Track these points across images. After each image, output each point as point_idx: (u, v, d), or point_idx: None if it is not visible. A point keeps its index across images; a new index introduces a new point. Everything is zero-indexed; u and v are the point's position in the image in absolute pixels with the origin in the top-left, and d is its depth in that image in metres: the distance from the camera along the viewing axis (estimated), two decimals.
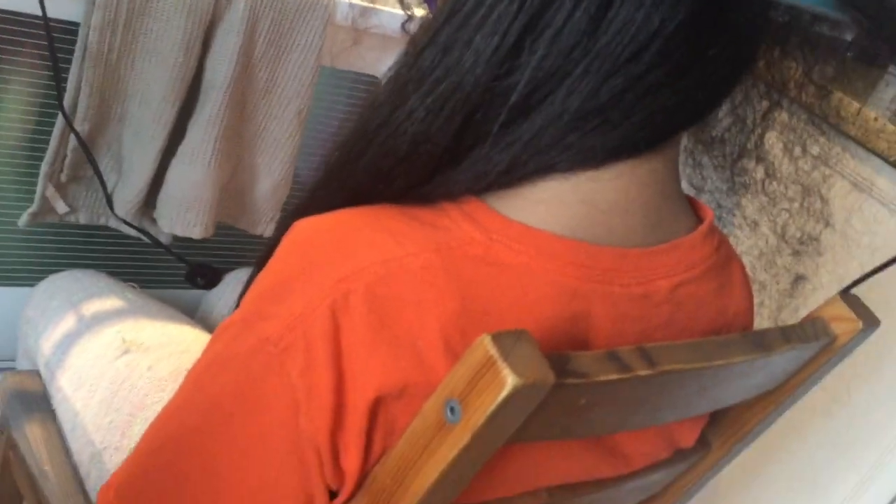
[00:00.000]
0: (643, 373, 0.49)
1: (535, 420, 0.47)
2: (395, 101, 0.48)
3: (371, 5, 0.96)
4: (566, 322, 0.49)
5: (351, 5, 1.01)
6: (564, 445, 0.55)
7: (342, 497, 0.49)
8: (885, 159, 1.32)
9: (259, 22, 0.94)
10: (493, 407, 0.43)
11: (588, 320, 0.50)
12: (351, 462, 0.47)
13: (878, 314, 0.64)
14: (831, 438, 1.14)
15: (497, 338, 0.43)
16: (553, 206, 0.49)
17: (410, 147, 0.48)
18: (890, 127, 1.29)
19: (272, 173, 1.04)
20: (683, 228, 0.55)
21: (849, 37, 1.85)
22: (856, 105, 1.34)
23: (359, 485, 0.49)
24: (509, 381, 0.42)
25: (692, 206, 0.58)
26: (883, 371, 1.13)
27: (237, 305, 0.52)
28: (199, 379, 0.51)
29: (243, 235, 1.14)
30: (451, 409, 0.45)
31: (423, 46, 0.48)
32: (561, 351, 0.47)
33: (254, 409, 0.48)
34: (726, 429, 0.70)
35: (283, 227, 0.52)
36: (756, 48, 0.50)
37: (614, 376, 0.48)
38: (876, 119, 1.31)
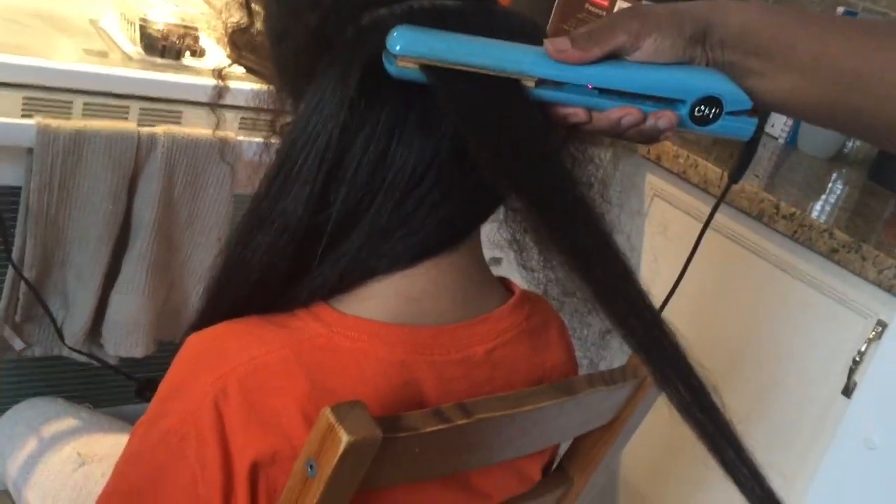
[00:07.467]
0: (461, 422, 0.63)
1: (381, 467, 0.61)
2: (246, 240, 0.64)
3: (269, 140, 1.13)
4: (400, 388, 0.64)
5: (260, 143, 1.18)
6: (425, 487, 0.69)
7: None
8: (748, 214, 1.51)
9: (175, 168, 1.10)
10: (335, 460, 0.57)
11: (419, 385, 0.65)
12: None
13: None
14: None
15: (335, 408, 0.57)
16: (378, 300, 0.64)
17: (260, 274, 0.63)
18: (749, 188, 1.48)
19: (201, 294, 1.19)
20: (493, 304, 0.70)
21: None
22: (718, 170, 1.54)
23: None
24: (344, 439, 0.56)
25: (505, 285, 0.74)
26: None
27: None
28: (122, 469, 0.65)
29: None
30: (311, 467, 0.59)
31: (261, 198, 0.64)
32: (398, 412, 0.62)
33: (165, 487, 0.62)
34: (581, 462, 0.84)
35: (183, 341, 0.67)
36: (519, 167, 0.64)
37: (438, 427, 0.62)
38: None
